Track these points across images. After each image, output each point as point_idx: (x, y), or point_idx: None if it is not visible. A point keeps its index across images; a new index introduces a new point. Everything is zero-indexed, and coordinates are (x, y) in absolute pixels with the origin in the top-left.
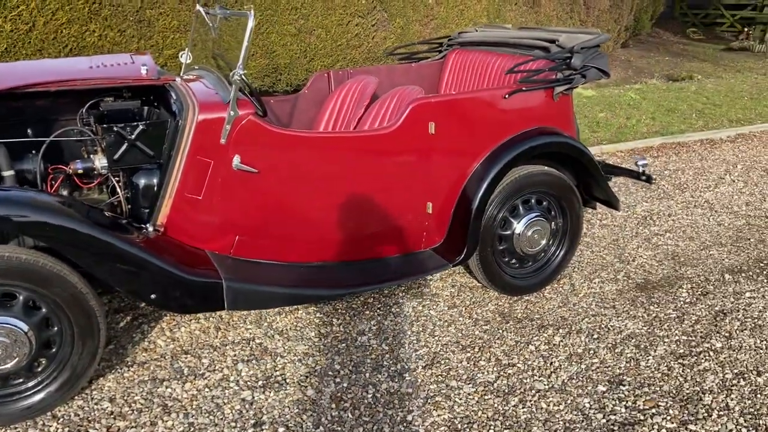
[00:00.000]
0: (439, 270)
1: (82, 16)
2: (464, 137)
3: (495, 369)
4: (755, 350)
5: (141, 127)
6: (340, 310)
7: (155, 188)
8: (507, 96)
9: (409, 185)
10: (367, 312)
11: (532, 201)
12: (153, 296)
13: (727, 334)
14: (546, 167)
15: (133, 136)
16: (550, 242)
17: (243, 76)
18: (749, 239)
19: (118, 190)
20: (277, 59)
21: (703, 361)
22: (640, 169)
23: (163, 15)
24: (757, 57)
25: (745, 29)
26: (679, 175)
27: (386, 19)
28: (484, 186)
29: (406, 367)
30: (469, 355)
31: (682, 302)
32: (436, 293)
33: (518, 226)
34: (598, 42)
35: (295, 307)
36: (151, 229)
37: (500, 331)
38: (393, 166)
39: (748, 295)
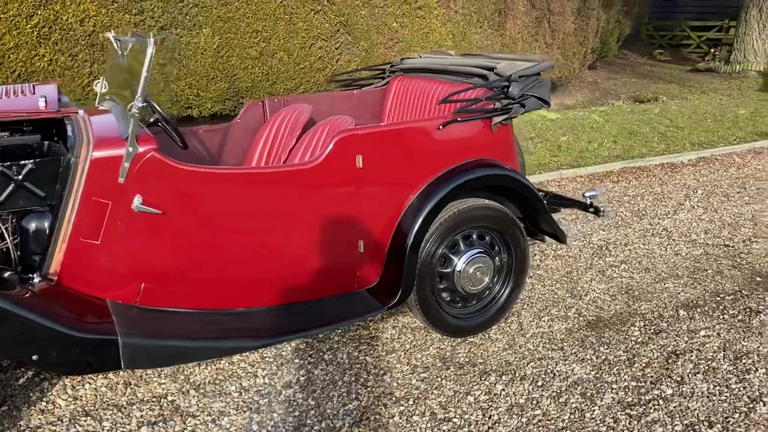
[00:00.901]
0: (372, 314)
1: (30, 41)
2: (396, 171)
3: (429, 425)
4: (707, 397)
5: (30, 165)
6: (267, 359)
7: (47, 233)
8: (441, 127)
9: (338, 223)
10: (297, 360)
11: (474, 236)
12: (35, 357)
13: (678, 379)
14: (487, 200)
15: (20, 176)
16: (495, 279)
17: (155, 107)
18: (706, 270)
19: (6, 236)
20: (239, 83)
21: (651, 410)
22: (588, 201)
23: None
24: (722, 78)
25: (712, 50)
26: (638, 201)
27: (350, 42)
28: (419, 222)
29: (332, 425)
30: (402, 408)
31: (633, 342)
32: (375, 336)
33: (459, 263)
34: (538, 70)
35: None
36: (38, 279)
37: (439, 379)
38: (318, 203)
39: (702, 333)
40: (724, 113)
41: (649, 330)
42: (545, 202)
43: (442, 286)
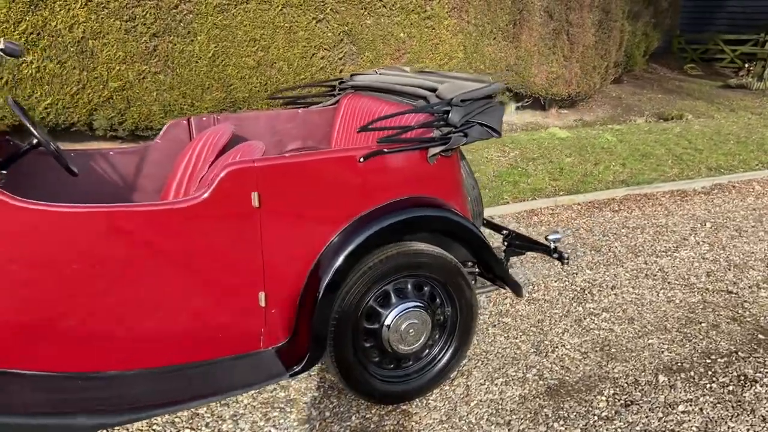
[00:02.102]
0: (273, 381)
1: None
2: (305, 212)
3: None
4: None
5: None
6: (154, 426)
7: None
8: (362, 159)
9: (229, 272)
10: (188, 430)
11: (408, 287)
12: None
13: None
14: (424, 245)
15: None
16: (437, 337)
17: (30, 128)
18: (701, 323)
19: None
20: (235, 93)
21: None
22: (552, 245)
23: (108, 45)
24: (754, 95)
25: (746, 65)
26: (637, 234)
27: (354, 52)
28: (331, 273)
29: None
30: None
31: (596, 417)
32: (292, 399)
33: (388, 319)
34: (485, 93)
35: None
36: None
37: None
38: (201, 249)
39: (681, 408)
40: (749, 134)
41: (619, 401)
42: (508, 244)
43: (368, 345)
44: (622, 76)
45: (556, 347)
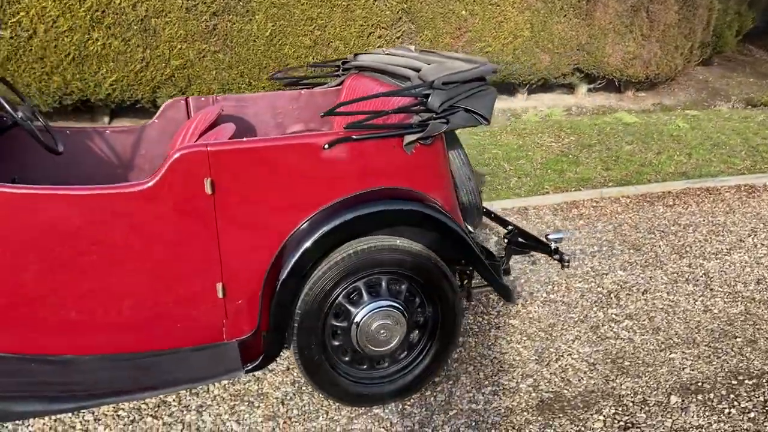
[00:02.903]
0: (227, 376)
1: (84, 24)
2: (264, 201)
3: None
4: None
5: None
6: (120, 412)
7: None
8: (327, 146)
9: (183, 261)
10: (150, 419)
11: (383, 285)
12: None
13: None
14: (401, 241)
15: None
16: (415, 339)
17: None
18: (736, 338)
19: None
20: (291, 73)
21: None
22: (552, 245)
23: (170, 24)
24: None
25: None
26: (687, 233)
27: (413, 31)
28: (290, 267)
29: None
30: None
31: None
32: (264, 393)
33: (358, 317)
34: (474, 75)
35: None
36: None
37: None
38: (152, 235)
39: None
40: None
41: (618, 422)
42: (508, 241)
43: (336, 343)
44: (712, 57)
45: (562, 356)
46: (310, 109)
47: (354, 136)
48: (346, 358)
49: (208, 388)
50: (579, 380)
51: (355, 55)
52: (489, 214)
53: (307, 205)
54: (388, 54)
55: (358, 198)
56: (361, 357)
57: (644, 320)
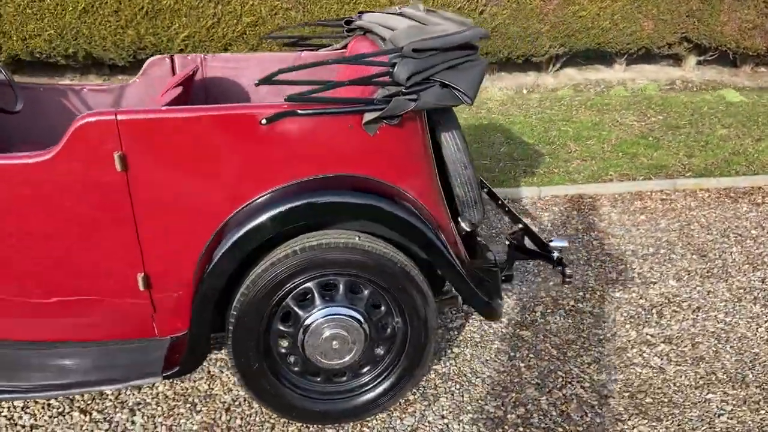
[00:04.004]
0: (143, 381)
1: None
2: (190, 183)
3: None
4: None
5: None
6: (54, 402)
7: None
8: (265, 121)
9: (95, 246)
10: (78, 414)
11: (340, 288)
12: None
13: None
14: (361, 239)
15: None
16: (380, 353)
17: None
18: None
19: None
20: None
21: None
22: (554, 254)
23: None
24: None
25: None
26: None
27: None
28: (215, 262)
29: None
30: None
31: None
32: (213, 394)
33: (306, 323)
34: (457, 41)
35: None
36: None
37: None
38: (54, 215)
39: None
40: None
41: None
42: (510, 243)
43: (283, 350)
44: None
45: (570, 382)
46: (310, 76)
47: (299, 111)
48: (296, 368)
49: (154, 384)
50: (581, 416)
51: (360, 13)
52: (503, 206)
53: (241, 191)
54: (399, 14)
55: (301, 186)
56: (314, 368)
57: (686, 346)
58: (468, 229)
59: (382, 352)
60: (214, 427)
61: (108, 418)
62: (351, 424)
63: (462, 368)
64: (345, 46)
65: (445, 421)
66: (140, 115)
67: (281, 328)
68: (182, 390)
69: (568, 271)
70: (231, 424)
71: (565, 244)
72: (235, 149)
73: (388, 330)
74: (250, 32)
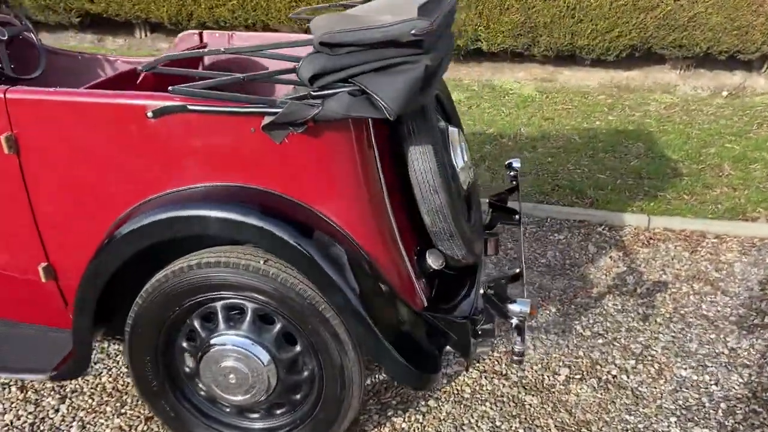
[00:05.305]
0: (27, 376)
1: None
2: (85, 172)
3: None
4: None
5: None
6: None
7: None
8: (152, 115)
9: None
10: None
11: (247, 314)
12: None
13: None
14: (263, 261)
15: None
16: (291, 399)
17: None
18: None
19: None
20: (536, 16)
21: None
22: (512, 320)
23: None
24: None
25: None
26: None
27: None
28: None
29: None
30: None
31: None
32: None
33: (206, 347)
34: (378, 37)
35: None
36: None
37: None
38: None
39: None
40: None
41: None
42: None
43: (188, 370)
44: None
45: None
46: None
47: (188, 106)
48: (203, 393)
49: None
50: None
51: None
52: (513, 212)
53: (132, 190)
54: None
55: (181, 195)
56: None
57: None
58: (435, 267)
59: (298, 397)
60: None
61: (38, 401)
62: None
63: (427, 428)
64: None
65: None
66: (31, 95)
67: (184, 345)
68: (123, 387)
69: (518, 347)
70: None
71: (526, 309)
72: (123, 142)
73: (305, 373)
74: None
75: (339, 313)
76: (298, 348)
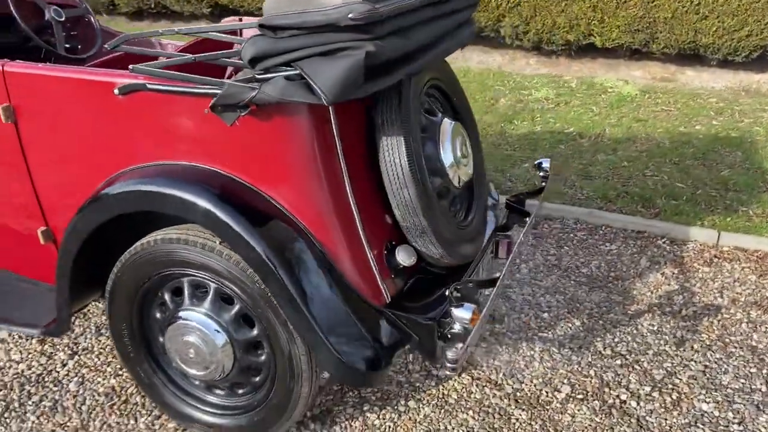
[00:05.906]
0: (19, 329)
1: None
2: (70, 143)
3: None
4: None
5: None
6: None
7: None
8: (119, 92)
9: None
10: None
11: (209, 292)
12: None
13: None
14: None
15: None
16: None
17: None
18: None
19: None
20: (657, 11)
21: None
22: (456, 324)
23: None
24: None
25: None
26: None
27: None
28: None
29: None
30: None
31: None
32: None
33: (172, 318)
34: (318, 20)
35: None
36: None
37: None
38: None
39: None
40: None
41: None
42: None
43: (161, 340)
44: None
45: None
46: None
47: (147, 85)
48: (175, 365)
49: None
50: None
51: None
52: (526, 213)
53: (107, 162)
54: None
55: (138, 171)
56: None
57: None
58: (406, 264)
59: (258, 380)
60: (113, 396)
61: (52, 354)
62: None
63: (398, 428)
64: None
65: None
66: (26, 69)
67: (158, 316)
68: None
69: (451, 354)
70: (104, 420)
71: (467, 315)
72: (96, 117)
73: (263, 357)
74: (526, 3)
75: (275, 299)
76: (255, 331)
